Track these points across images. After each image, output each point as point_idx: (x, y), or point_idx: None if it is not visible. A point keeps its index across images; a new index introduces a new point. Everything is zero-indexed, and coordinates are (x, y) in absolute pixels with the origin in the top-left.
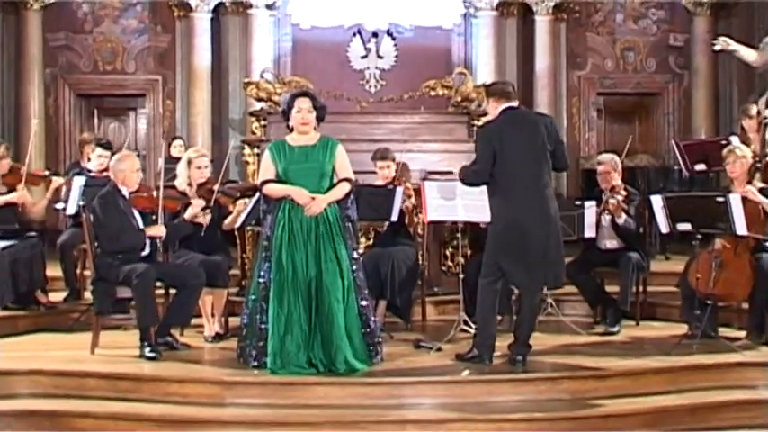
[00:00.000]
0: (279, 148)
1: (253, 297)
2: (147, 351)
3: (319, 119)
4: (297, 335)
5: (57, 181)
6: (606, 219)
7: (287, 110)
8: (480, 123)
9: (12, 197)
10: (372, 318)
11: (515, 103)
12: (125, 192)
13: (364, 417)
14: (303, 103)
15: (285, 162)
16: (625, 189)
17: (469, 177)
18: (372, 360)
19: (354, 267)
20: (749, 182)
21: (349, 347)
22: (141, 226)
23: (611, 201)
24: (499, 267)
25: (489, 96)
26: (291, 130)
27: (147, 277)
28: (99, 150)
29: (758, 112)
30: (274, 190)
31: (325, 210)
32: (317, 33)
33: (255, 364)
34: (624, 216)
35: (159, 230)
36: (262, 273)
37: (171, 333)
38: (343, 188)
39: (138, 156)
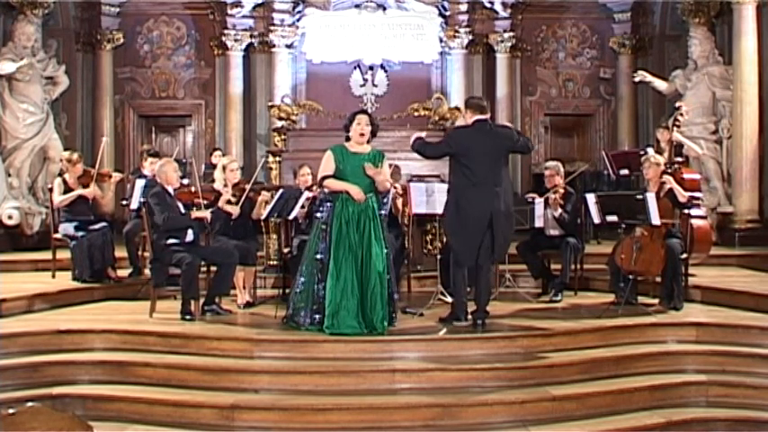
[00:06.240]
0: (340, 151)
1: (307, 271)
2: (184, 315)
3: (373, 133)
4: (350, 302)
5: (117, 176)
6: (550, 212)
7: (348, 124)
8: (454, 126)
9: (86, 191)
10: (395, 289)
11: (486, 117)
12: (170, 189)
13: (362, 367)
14: (362, 119)
15: (344, 163)
16: (564, 189)
17: (423, 148)
18: (393, 323)
19: (388, 249)
20: (661, 183)
21: (383, 312)
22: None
23: (551, 196)
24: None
25: (467, 108)
26: (348, 139)
27: (193, 265)
28: (150, 159)
29: (668, 128)
30: (335, 184)
31: (371, 204)
32: (326, 67)
33: (309, 323)
34: (560, 210)
35: (205, 213)
36: (319, 252)
37: (216, 302)
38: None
39: (185, 162)
